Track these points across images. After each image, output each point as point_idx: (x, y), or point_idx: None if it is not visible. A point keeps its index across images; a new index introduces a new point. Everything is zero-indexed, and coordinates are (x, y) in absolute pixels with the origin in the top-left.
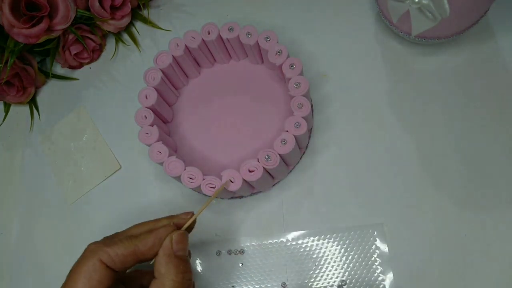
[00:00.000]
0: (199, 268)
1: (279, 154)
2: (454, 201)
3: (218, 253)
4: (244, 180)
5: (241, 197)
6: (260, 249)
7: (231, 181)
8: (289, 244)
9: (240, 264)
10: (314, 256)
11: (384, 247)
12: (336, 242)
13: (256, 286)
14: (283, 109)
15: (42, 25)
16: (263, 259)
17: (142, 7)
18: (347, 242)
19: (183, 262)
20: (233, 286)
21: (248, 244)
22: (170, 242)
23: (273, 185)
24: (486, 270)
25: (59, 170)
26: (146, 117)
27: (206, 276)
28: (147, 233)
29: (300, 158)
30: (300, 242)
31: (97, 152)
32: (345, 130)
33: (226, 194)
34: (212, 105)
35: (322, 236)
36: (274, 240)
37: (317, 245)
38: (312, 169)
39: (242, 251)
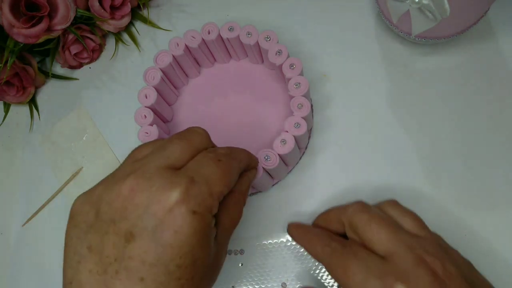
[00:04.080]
0: None
1: (278, 155)
2: (454, 201)
3: None
4: None
5: None
6: (260, 249)
7: None
8: (289, 244)
9: (240, 264)
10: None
11: None
12: None
13: (256, 286)
14: (283, 109)
15: (42, 25)
16: (263, 259)
17: (142, 7)
18: None
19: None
20: (233, 287)
21: (248, 244)
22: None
23: (273, 185)
24: (486, 271)
25: (59, 170)
26: (145, 116)
27: None
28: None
29: (300, 158)
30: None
31: (97, 152)
32: (345, 130)
33: None
34: (212, 105)
35: None
36: (274, 240)
37: None
38: (312, 169)
39: (242, 251)
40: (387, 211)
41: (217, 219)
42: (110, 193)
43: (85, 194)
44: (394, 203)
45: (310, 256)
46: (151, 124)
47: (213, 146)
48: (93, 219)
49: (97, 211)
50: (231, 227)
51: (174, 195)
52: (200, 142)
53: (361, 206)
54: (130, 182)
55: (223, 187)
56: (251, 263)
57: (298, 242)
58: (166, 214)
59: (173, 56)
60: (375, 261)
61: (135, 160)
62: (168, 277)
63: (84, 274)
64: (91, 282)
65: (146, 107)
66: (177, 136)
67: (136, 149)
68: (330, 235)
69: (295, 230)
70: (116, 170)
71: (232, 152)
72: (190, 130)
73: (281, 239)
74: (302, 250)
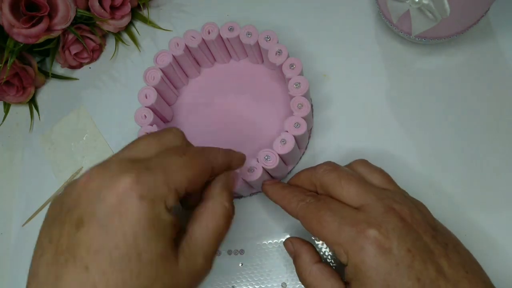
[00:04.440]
0: None
1: (278, 155)
2: (454, 201)
3: (218, 253)
4: (243, 180)
5: (240, 197)
6: (260, 249)
7: None
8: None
9: (240, 264)
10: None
11: None
12: None
13: (256, 287)
14: (282, 109)
15: (42, 25)
16: (263, 259)
17: (142, 7)
18: None
19: (232, 196)
20: (233, 287)
21: (248, 244)
22: (230, 175)
23: None
24: (486, 270)
25: (60, 170)
26: (145, 116)
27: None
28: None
29: (300, 158)
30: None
31: (97, 152)
32: (345, 130)
33: None
34: (212, 105)
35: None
36: (274, 240)
37: (317, 245)
38: None
39: (242, 251)
40: (357, 169)
41: (186, 227)
42: (73, 184)
43: (59, 195)
44: (363, 162)
45: None
46: (151, 124)
47: (190, 145)
48: (57, 211)
49: (61, 206)
50: (206, 238)
51: (125, 180)
52: (171, 140)
53: (330, 165)
54: (89, 172)
55: (182, 178)
56: (251, 263)
57: (273, 198)
58: (114, 199)
59: (173, 56)
60: (348, 211)
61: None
62: (111, 267)
63: (42, 267)
64: (45, 274)
65: (146, 107)
66: (149, 134)
67: None
68: (304, 191)
69: (270, 187)
70: None
71: (203, 150)
72: (165, 129)
73: (281, 239)
74: None
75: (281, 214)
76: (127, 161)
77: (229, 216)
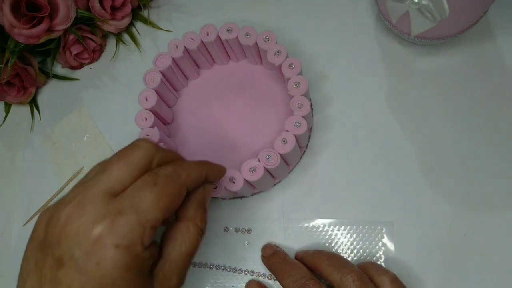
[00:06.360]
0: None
1: (279, 154)
2: (454, 201)
3: (226, 229)
4: (245, 180)
5: (242, 197)
6: (267, 230)
7: (232, 182)
8: (295, 229)
9: (246, 243)
10: (320, 245)
11: (391, 245)
12: (343, 234)
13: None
14: (282, 109)
15: (43, 26)
16: (269, 240)
17: (142, 8)
18: (354, 235)
19: (206, 213)
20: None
21: (255, 224)
22: (205, 191)
23: (274, 184)
24: (485, 270)
25: (60, 170)
26: (146, 119)
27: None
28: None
29: (301, 158)
30: (306, 225)
31: (98, 152)
32: (345, 130)
33: (227, 194)
34: (212, 106)
35: (331, 227)
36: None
37: (325, 232)
38: (313, 168)
39: (249, 230)
40: (367, 271)
41: (162, 249)
42: (54, 217)
43: (48, 209)
44: (374, 265)
45: (315, 244)
46: (151, 126)
47: (164, 157)
48: (42, 238)
49: (45, 232)
50: (180, 260)
51: (98, 228)
52: (141, 158)
53: (359, 278)
54: (68, 210)
55: (157, 214)
56: (257, 243)
57: (270, 268)
58: (90, 246)
59: (173, 58)
60: None
61: (85, 181)
62: None
63: None
64: None
65: (146, 109)
66: (116, 155)
67: (95, 166)
68: (309, 273)
69: (271, 258)
70: (71, 189)
71: (175, 171)
72: (132, 146)
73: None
74: (307, 236)
75: (281, 214)
76: (103, 198)
77: (202, 234)
